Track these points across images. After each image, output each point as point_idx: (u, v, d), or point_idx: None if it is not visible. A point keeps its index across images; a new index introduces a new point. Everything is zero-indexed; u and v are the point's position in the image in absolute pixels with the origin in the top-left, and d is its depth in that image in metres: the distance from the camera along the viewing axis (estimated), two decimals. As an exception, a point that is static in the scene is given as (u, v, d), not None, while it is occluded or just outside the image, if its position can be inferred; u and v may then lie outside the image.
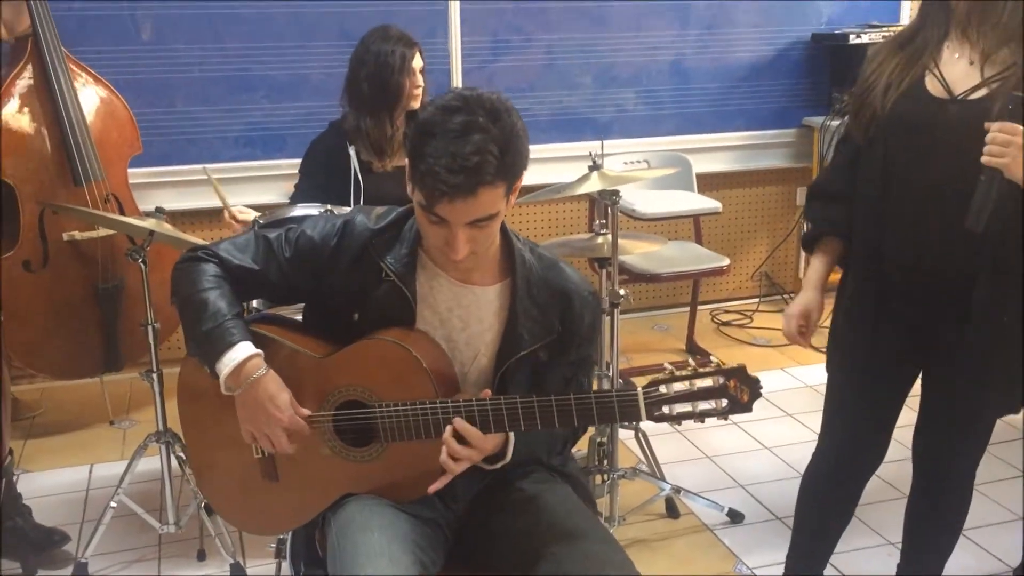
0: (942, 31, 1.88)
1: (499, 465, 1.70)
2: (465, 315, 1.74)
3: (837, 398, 2.13)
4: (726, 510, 2.85)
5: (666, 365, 1.61)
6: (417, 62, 2.88)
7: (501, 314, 1.74)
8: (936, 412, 2.06)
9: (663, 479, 2.94)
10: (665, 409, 1.58)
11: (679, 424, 1.63)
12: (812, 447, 2.23)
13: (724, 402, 1.59)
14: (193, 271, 1.73)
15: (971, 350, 1.91)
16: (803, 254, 4.27)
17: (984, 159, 1.72)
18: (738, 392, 1.59)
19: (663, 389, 1.58)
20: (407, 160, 1.61)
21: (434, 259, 1.72)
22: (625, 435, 3.17)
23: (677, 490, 2.89)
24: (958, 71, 1.85)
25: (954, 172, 1.82)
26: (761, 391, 1.61)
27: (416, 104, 2.88)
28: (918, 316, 1.95)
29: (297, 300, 1.87)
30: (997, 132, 1.71)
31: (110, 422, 3.59)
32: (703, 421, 1.61)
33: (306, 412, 1.70)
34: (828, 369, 2.13)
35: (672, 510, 2.91)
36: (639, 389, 1.60)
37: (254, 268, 1.74)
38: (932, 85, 1.87)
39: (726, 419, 1.61)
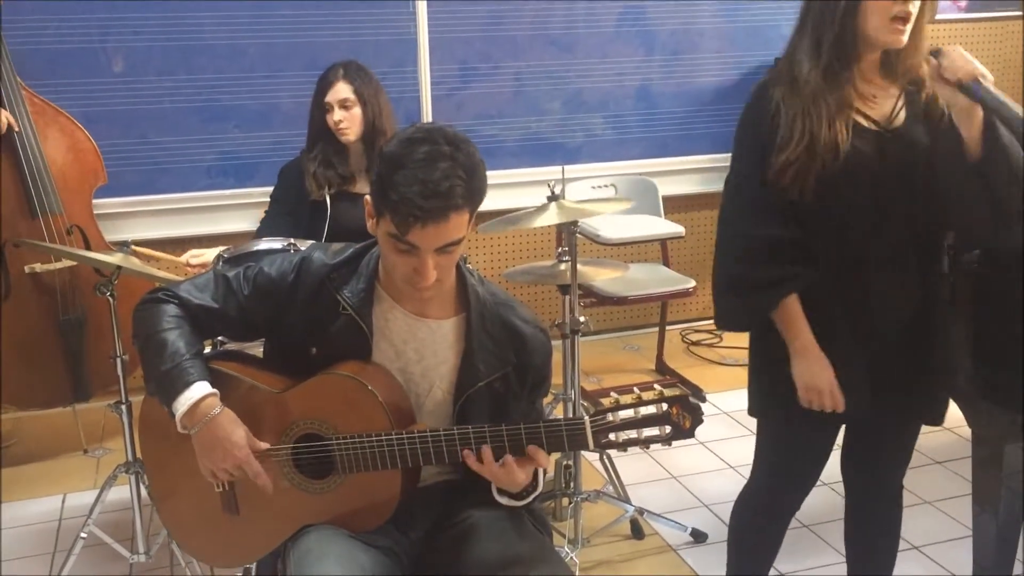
0: (847, 73, 1.89)
1: (532, 499, 1.77)
2: (420, 348, 1.79)
3: (767, 431, 2.13)
4: (689, 530, 2.91)
5: (612, 394, 1.68)
6: (337, 94, 2.87)
7: (457, 347, 1.79)
8: (862, 432, 2.10)
9: (628, 500, 2.99)
10: (611, 436, 1.66)
11: (625, 451, 1.70)
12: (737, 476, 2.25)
13: (668, 429, 1.66)
14: (153, 312, 1.77)
15: (902, 361, 1.96)
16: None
17: (953, 76, 1.76)
18: (680, 419, 1.66)
19: (609, 417, 1.66)
20: (371, 195, 1.67)
21: (395, 291, 1.77)
22: (591, 456, 3.22)
23: (641, 511, 2.94)
24: (875, 105, 1.91)
25: (897, 199, 1.89)
26: (703, 418, 1.67)
27: (345, 137, 2.89)
28: (853, 352, 1.97)
29: (257, 336, 1.91)
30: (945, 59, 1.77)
31: (83, 451, 3.62)
32: (648, 447, 1.68)
33: (264, 445, 1.74)
34: (755, 409, 2.11)
35: (637, 531, 2.96)
36: (586, 418, 1.66)
37: (214, 307, 1.79)
38: (863, 122, 1.90)
39: (669, 445, 1.68)
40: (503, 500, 1.76)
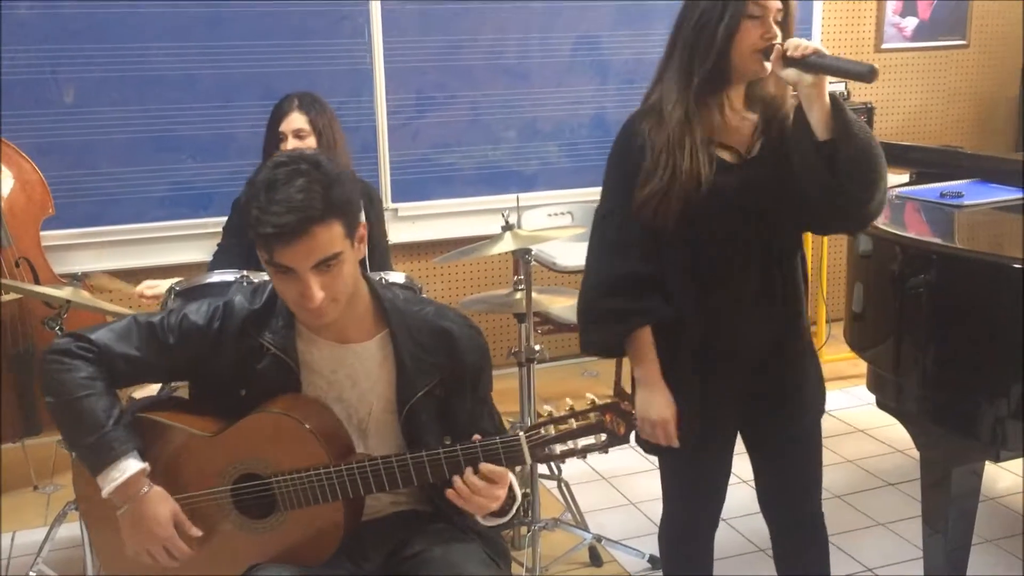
0: (714, 103, 1.92)
1: (508, 517, 1.76)
2: (351, 373, 1.79)
3: (670, 466, 2.16)
4: (647, 557, 2.91)
5: (545, 407, 1.70)
6: (291, 124, 2.86)
7: (387, 364, 1.79)
8: (761, 460, 2.15)
9: (586, 528, 2.99)
10: (548, 449, 1.67)
11: (563, 462, 1.72)
12: (733, 491, 2.26)
13: (603, 436, 1.68)
14: (65, 372, 1.71)
15: (785, 376, 2.04)
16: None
17: (799, 51, 1.80)
18: (614, 425, 1.68)
19: (543, 431, 1.67)
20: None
21: (303, 322, 1.76)
22: (550, 484, 3.22)
23: (599, 538, 2.94)
24: (740, 138, 1.95)
25: (755, 228, 1.96)
26: (636, 422, 1.70)
27: None
28: (734, 376, 2.03)
29: (182, 379, 1.89)
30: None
31: (34, 487, 3.55)
32: (585, 457, 1.71)
33: (197, 532, 1.73)
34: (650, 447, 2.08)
35: (595, 558, 2.96)
36: (521, 434, 1.68)
37: (135, 355, 1.74)
38: (724, 154, 1.94)
39: (607, 452, 1.70)
40: (487, 522, 1.76)
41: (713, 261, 1.97)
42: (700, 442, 2.03)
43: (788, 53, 1.82)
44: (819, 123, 1.85)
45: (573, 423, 1.67)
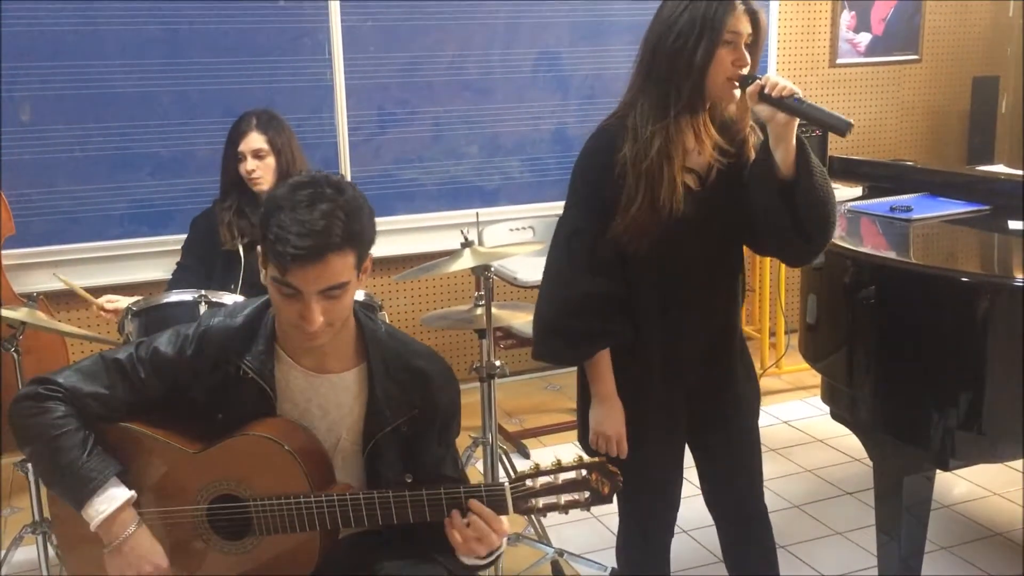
0: (688, 127, 1.94)
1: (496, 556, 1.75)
2: (324, 403, 1.79)
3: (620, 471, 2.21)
4: (608, 570, 2.93)
5: (532, 460, 1.70)
6: (249, 144, 2.85)
7: (361, 397, 1.80)
8: (710, 445, 2.20)
9: (548, 543, 3.01)
10: (531, 502, 1.68)
11: (544, 516, 1.72)
12: (694, 502, 2.31)
13: (587, 494, 1.69)
14: (38, 416, 1.70)
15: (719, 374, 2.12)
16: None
17: (777, 91, 1.83)
18: (599, 485, 1.69)
19: (529, 483, 1.68)
20: (260, 242, 1.67)
21: (292, 350, 1.77)
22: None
23: (561, 553, 2.96)
24: (701, 161, 1.99)
25: (711, 249, 2.04)
26: (620, 483, 1.71)
27: (258, 187, 2.85)
28: (682, 385, 2.11)
29: (157, 410, 1.87)
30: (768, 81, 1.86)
31: (-10, 510, 3.51)
32: (567, 513, 1.71)
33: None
34: (584, 444, 2.18)
35: (557, 573, 2.97)
36: (506, 484, 1.69)
37: (106, 393, 1.74)
38: (689, 180, 1.97)
39: (587, 510, 1.72)
40: (470, 561, 1.74)
41: (676, 280, 2.03)
42: (648, 446, 2.10)
43: (766, 90, 1.85)
44: (784, 162, 1.89)
45: (558, 478, 1.68)
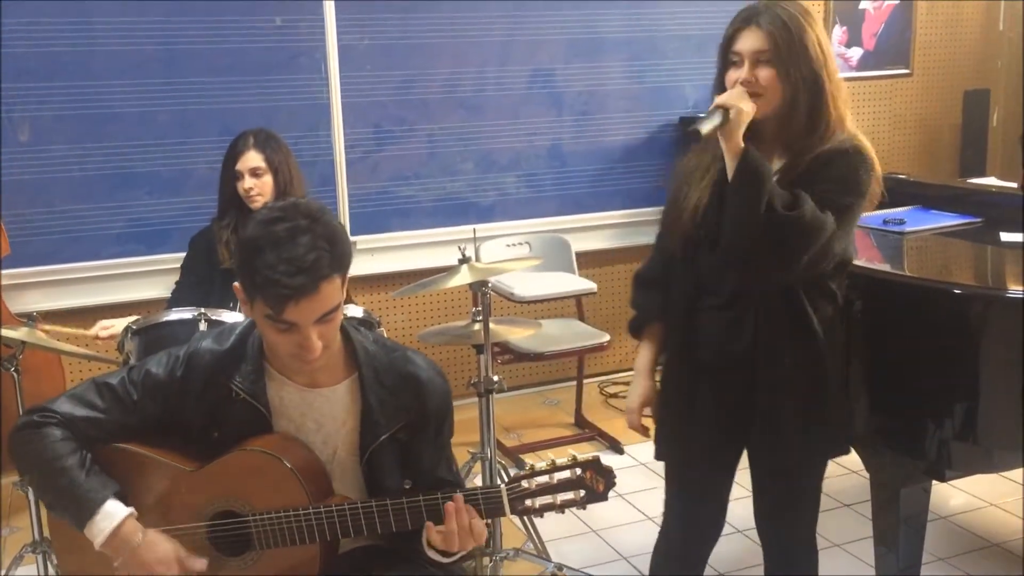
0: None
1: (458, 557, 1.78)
2: (318, 417, 1.81)
3: (670, 478, 2.25)
4: (608, 584, 2.94)
5: (527, 462, 1.72)
6: (247, 163, 2.86)
7: (354, 408, 1.81)
8: (768, 478, 2.17)
9: (548, 557, 3.01)
10: (528, 503, 1.70)
11: (541, 516, 1.74)
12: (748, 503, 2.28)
13: (582, 492, 1.71)
14: (36, 443, 1.72)
15: (790, 402, 2.03)
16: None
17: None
18: (594, 482, 1.71)
19: (525, 484, 1.70)
20: (239, 280, 1.67)
21: (284, 367, 1.78)
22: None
23: (560, 567, 2.97)
24: None
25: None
26: (616, 480, 1.73)
27: (256, 205, 2.85)
28: (732, 390, 2.08)
29: (153, 431, 1.88)
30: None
31: (-11, 530, 3.51)
32: (563, 512, 1.73)
33: (201, 565, 1.73)
34: (657, 453, 2.22)
35: (557, 587, 2.98)
36: (502, 486, 1.71)
37: (101, 417, 1.75)
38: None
39: (584, 508, 1.73)
40: (432, 555, 1.76)
41: (697, 273, 2.08)
42: (691, 454, 2.15)
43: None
44: (729, 169, 1.93)
45: (554, 478, 1.69)
